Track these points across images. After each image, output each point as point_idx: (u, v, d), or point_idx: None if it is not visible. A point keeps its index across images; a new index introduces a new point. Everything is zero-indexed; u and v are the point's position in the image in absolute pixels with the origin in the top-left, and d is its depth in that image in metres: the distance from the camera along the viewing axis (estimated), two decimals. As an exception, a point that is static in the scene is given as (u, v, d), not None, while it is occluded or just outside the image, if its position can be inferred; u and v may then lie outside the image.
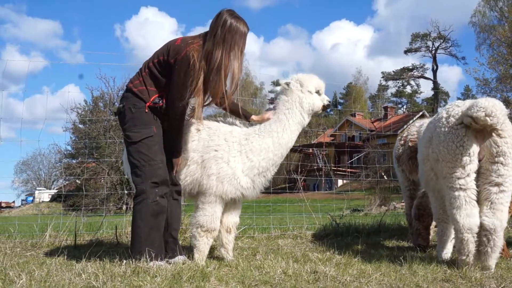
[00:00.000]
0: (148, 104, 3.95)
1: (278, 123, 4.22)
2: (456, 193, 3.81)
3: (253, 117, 4.43)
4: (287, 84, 4.33)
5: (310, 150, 46.19)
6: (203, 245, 4.18)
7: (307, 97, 4.28)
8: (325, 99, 4.39)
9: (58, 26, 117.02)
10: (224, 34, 3.87)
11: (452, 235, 4.43)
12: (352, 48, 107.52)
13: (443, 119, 3.93)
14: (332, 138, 51.78)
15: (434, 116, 4.27)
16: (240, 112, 4.42)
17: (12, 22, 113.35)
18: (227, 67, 3.90)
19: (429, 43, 57.30)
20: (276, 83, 4.47)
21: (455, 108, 3.94)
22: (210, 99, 4.09)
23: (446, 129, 3.87)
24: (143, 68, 4.06)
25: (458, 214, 3.80)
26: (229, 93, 4.06)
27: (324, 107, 4.39)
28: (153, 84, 3.99)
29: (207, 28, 4.02)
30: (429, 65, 59.36)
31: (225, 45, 3.88)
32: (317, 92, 4.34)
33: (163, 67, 3.94)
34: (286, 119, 4.22)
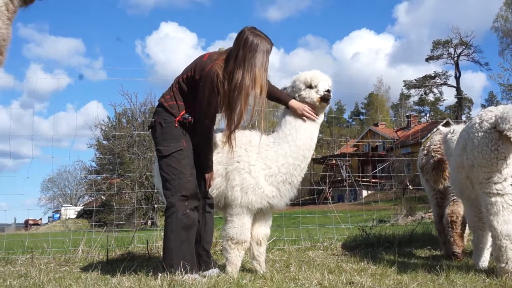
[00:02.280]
0: (177, 118, 3.99)
1: (289, 125, 4.17)
2: (493, 199, 3.75)
3: (291, 102, 4.22)
4: (285, 89, 4.36)
5: (333, 161, 45.98)
6: (234, 257, 4.16)
7: (300, 95, 4.20)
8: (320, 91, 4.14)
9: (80, 43, 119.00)
10: (245, 54, 3.85)
11: (489, 243, 4.36)
12: (373, 57, 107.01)
13: (476, 125, 3.88)
14: (355, 148, 51.45)
15: (467, 123, 4.22)
16: (279, 97, 4.32)
17: (35, 41, 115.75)
18: (248, 88, 3.86)
19: (451, 50, 56.58)
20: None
21: (488, 113, 3.89)
22: (236, 121, 4.02)
23: (480, 133, 3.82)
24: (174, 84, 4.12)
25: (496, 220, 3.73)
26: (252, 114, 4.03)
27: (322, 99, 4.15)
28: (183, 99, 4.03)
29: (227, 42, 4.04)
30: (451, 72, 58.62)
31: (246, 65, 3.85)
32: (309, 86, 4.18)
33: (190, 83, 3.98)
34: (294, 120, 4.17)
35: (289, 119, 4.20)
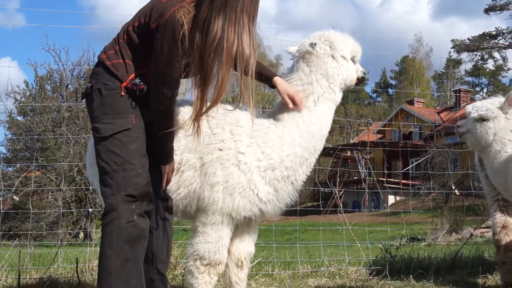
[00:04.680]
0: (125, 84, 3.94)
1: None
2: None
3: (277, 80, 4.32)
4: (313, 45, 4.30)
5: (349, 153, 46.20)
6: (203, 285, 4.18)
7: (341, 65, 4.28)
8: (359, 70, 4.41)
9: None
10: None
11: None
12: (411, 4, 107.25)
13: None
14: (380, 135, 51.74)
15: None
16: (259, 72, 4.33)
17: None
18: (233, 46, 3.79)
19: (521, -2, 56.85)
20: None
21: None
22: (215, 95, 3.92)
23: None
24: (121, 34, 4.05)
25: None
26: (244, 88, 4.01)
27: (358, 81, 4.42)
28: (133, 57, 3.99)
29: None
30: (521, 29, 58.99)
31: (227, 11, 3.77)
32: (352, 59, 4.36)
33: (144, 33, 3.91)
34: (308, 100, 4.24)
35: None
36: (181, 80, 4.04)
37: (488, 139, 4.91)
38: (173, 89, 3.90)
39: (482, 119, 4.92)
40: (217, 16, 3.75)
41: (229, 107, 4.26)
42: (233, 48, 3.78)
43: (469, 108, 5.09)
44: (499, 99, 5.02)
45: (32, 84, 36.12)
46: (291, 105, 4.21)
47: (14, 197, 34.00)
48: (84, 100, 4.12)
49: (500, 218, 5.64)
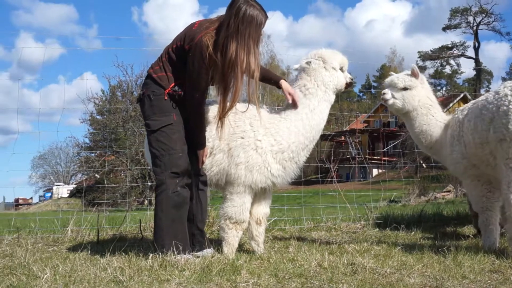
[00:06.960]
0: (167, 91, 3.99)
1: (302, 105, 4.25)
2: None
3: (282, 82, 4.36)
4: (308, 63, 4.34)
5: (342, 138, 45.94)
6: (232, 237, 4.21)
7: (331, 74, 4.32)
8: (348, 77, 4.44)
9: (72, 10, 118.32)
10: (237, 25, 3.80)
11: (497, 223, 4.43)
12: (388, 24, 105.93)
13: (509, 97, 3.87)
14: (366, 124, 51.34)
15: (493, 96, 4.13)
16: (270, 78, 4.46)
17: (24, 8, 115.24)
18: (243, 62, 3.85)
19: (470, 19, 55.86)
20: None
21: None
22: (232, 99, 4.01)
23: None
24: (163, 54, 4.10)
25: None
26: (251, 93, 4.06)
27: (347, 85, 4.43)
28: (173, 70, 4.03)
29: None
30: (470, 42, 58.01)
31: (239, 37, 3.82)
32: (341, 69, 4.38)
33: (180, 53, 3.96)
34: (310, 102, 4.25)
35: (303, 100, 4.27)
36: (211, 87, 4.10)
37: (414, 104, 4.73)
38: (202, 94, 3.96)
39: (406, 88, 4.78)
40: (231, 41, 3.80)
41: (243, 107, 4.23)
42: (244, 65, 3.85)
43: (394, 79, 4.86)
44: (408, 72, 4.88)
45: (106, 92, 36.40)
46: (290, 100, 4.28)
47: (96, 175, 34.36)
48: (138, 104, 4.18)
49: None
